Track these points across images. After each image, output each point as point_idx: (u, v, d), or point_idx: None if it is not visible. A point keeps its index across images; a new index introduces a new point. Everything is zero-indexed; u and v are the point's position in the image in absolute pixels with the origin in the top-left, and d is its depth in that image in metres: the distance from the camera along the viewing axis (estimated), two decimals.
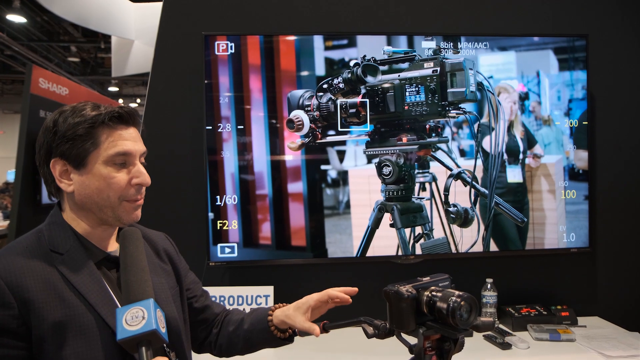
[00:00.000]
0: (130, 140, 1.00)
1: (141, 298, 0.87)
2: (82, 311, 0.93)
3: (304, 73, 2.10)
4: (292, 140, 2.10)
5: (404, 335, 0.95)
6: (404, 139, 2.11)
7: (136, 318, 0.84)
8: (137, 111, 1.05)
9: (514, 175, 2.20)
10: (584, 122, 2.24)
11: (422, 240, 2.15)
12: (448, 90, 2.10)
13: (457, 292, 0.89)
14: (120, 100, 13.01)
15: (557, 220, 2.23)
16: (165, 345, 1.00)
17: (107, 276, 1.01)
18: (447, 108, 2.11)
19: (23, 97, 2.30)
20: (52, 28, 9.18)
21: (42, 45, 9.73)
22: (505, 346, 1.93)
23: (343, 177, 2.14)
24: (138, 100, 14.00)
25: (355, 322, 1.06)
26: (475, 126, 2.15)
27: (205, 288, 2.09)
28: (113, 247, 1.07)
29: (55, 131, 0.98)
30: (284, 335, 1.22)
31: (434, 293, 0.92)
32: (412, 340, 0.94)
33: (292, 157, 2.11)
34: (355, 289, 1.20)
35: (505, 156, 2.18)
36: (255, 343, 1.24)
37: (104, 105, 1.01)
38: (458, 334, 0.91)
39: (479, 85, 2.13)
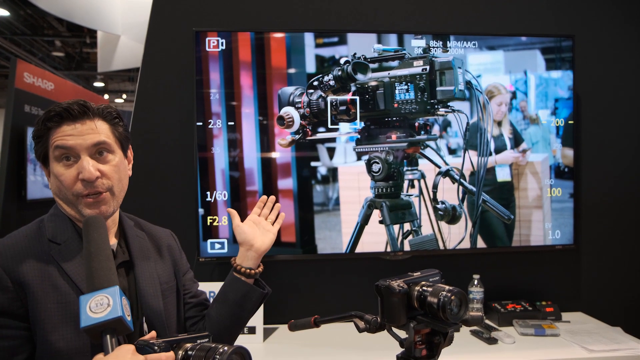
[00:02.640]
0: (75, 134, 0.99)
1: (106, 285, 0.84)
2: (73, 299, 0.95)
3: (295, 70, 2.11)
4: (283, 137, 2.10)
5: (394, 330, 0.97)
6: (394, 137, 2.13)
7: (101, 305, 0.81)
8: (88, 103, 1.02)
9: (503, 174, 2.23)
10: (569, 122, 2.28)
11: (410, 237, 2.17)
12: (437, 89, 2.12)
13: (447, 287, 0.91)
14: (106, 96, 12.82)
15: (542, 218, 2.26)
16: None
17: None
18: (436, 106, 2.13)
19: (7, 92, 2.26)
20: (36, 22, 8.99)
21: (26, 39, 9.53)
22: (492, 341, 1.96)
23: (333, 174, 2.15)
24: (124, 96, 13.81)
25: (347, 316, 1.07)
26: (464, 124, 2.17)
27: None
28: (112, 241, 1.08)
29: (33, 136, 1.03)
30: (258, 270, 1.26)
31: (424, 288, 0.93)
32: (403, 334, 0.95)
33: (282, 153, 2.11)
34: (272, 197, 1.36)
35: (494, 155, 2.21)
36: (235, 304, 1.20)
37: (63, 104, 1.00)
38: (448, 328, 0.92)
39: (468, 84, 2.16)
